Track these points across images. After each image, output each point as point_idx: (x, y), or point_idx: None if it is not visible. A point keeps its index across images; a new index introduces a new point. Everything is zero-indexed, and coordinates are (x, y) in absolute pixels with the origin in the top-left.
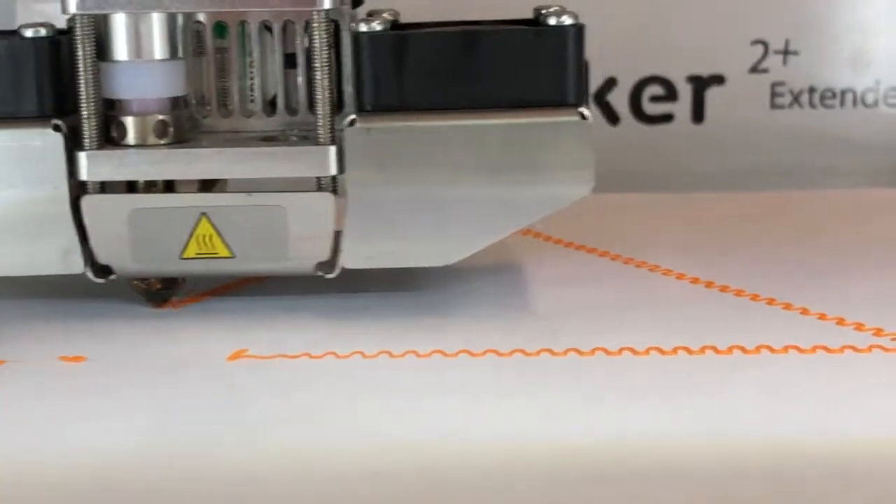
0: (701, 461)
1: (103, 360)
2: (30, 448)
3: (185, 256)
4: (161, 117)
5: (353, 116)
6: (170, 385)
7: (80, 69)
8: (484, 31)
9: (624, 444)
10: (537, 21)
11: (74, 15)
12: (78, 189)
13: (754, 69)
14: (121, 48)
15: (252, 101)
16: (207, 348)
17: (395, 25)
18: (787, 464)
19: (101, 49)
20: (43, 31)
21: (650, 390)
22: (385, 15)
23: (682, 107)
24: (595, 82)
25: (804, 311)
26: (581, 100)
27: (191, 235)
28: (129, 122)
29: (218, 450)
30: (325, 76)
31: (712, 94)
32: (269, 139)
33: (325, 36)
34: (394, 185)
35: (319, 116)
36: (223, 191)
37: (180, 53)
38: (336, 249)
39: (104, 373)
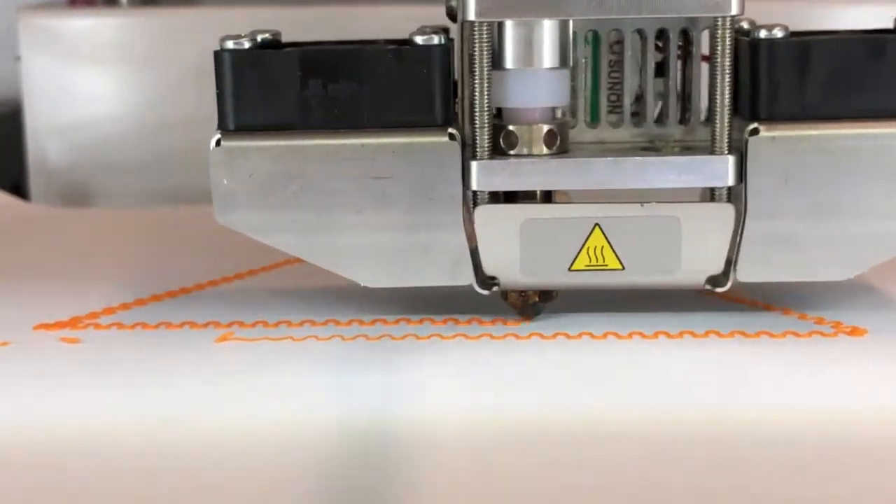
0: (644, 428)
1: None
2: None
3: (574, 268)
4: (548, 127)
5: (754, 125)
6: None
7: (477, 77)
8: (889, 38)
9: (580, 413)
10: None
11: (473, 22)
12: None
13: None
14: (513, 56)
15: (618, 110)
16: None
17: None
18: (719, 430)
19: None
20: (436, 39)
21: (600, 369)
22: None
23: None
24: None
25: (752, 303)
26: None
27: (582, 247)
28: (520, 131)
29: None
30: (727, 84)
31: None
32: (647, 149)
33: (728, 42)
34: (796, 195)
35: (717, 125)
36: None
37: (570, 62)
38: (729, 262)
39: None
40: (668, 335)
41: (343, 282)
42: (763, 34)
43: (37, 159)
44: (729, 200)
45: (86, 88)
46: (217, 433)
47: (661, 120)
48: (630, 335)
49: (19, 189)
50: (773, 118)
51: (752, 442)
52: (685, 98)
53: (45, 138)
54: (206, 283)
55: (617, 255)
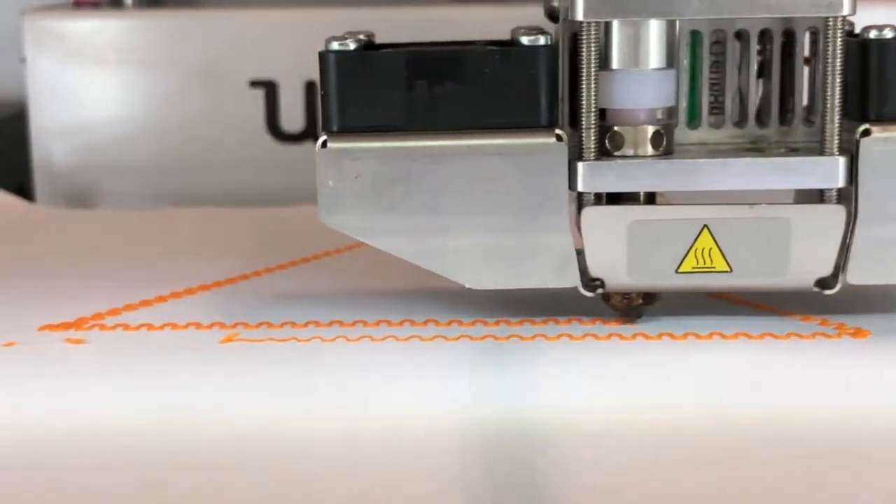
0: (638, 427)
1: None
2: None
3: (681, 270)
4: (655, 128)
5: (866, 126)
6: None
7: (584, 78)
8: None
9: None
10: None
11: (581, 22)
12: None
13: None
14: (619, 57)
15: (716, 111)
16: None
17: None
18: (716, 429)
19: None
20: (542, 39)
21: (601, 367)
22: None
23: None
24: None
25: (756, 305)
26: None
27: (690, 248)
28: (626, 132)
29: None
30: (838, 84)
31: None
32: (750, 150)
33: (840, 43)
34: None
35: (828, 126)
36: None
37: (675, 63)
38: (838, 264)
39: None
40: (672, 336)
41: (345, 283)
42: (873, 34)
43: (41, 160)
44: (838, 202)
45: (90, 90)
46: (221, 434)
47: (760, 120)
48: (633, 336)
49: (24, 190)
50: (882, 119)
51: (752, 443)
52: (784, 98)
53: (49, 139)
54: (211, 283)
55: (725, 257)
